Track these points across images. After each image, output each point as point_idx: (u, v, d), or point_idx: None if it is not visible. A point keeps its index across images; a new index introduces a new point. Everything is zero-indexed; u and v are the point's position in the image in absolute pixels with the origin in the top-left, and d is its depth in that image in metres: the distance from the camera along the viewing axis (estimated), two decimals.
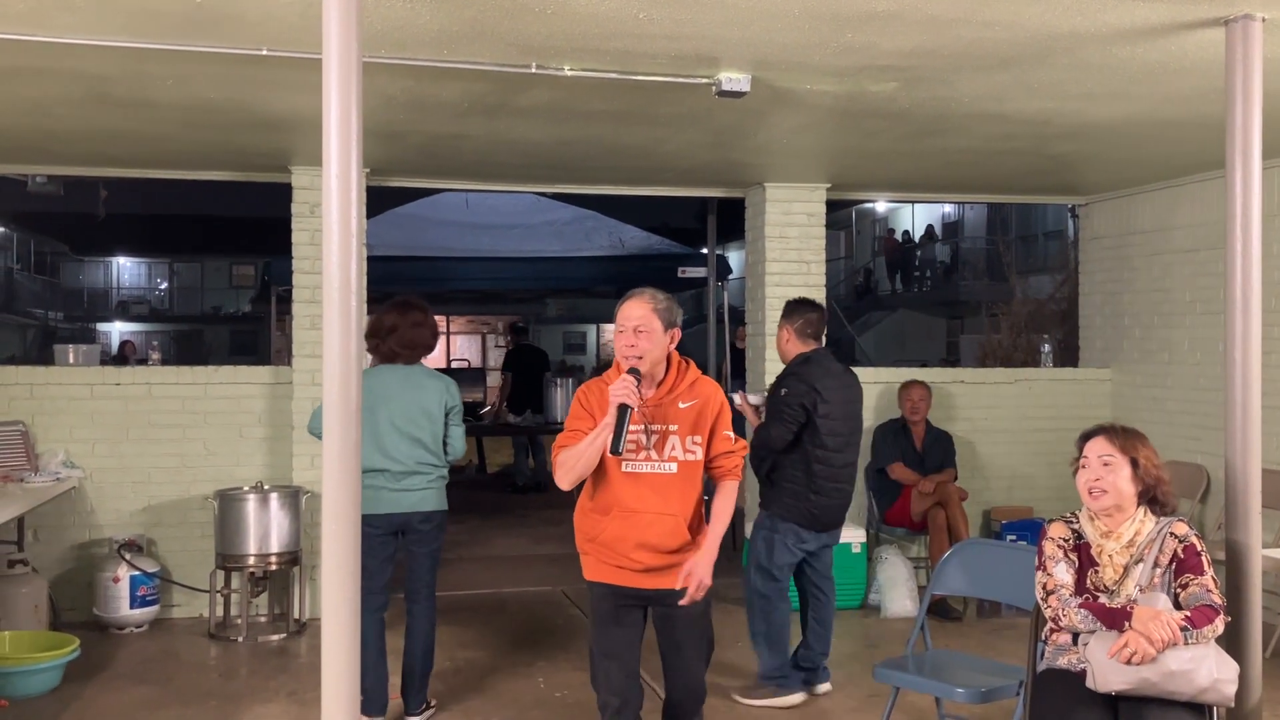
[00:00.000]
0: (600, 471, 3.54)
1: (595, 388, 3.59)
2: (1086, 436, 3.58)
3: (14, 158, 6.56)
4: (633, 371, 3.46)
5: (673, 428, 3.55)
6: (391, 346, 4.85)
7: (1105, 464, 3.47)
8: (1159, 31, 3.89)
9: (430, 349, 5.04)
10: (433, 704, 4.95)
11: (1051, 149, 6.09)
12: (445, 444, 4.84)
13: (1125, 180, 7.34)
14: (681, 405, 3.57)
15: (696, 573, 3.52)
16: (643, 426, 3.51)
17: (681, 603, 3.54)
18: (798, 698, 5.06)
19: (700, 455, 3.59)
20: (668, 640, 3.68)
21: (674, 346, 3.61)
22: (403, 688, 4.87)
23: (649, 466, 3.54)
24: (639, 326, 3.50)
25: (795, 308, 5.30)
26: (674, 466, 3.55)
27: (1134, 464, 3.46)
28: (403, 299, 5.00)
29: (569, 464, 3.50)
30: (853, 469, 5.21)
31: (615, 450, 3.41)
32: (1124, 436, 3.52)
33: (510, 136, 5.72)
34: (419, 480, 4.76)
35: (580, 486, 3.66)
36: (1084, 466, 3.52)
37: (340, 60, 3.08)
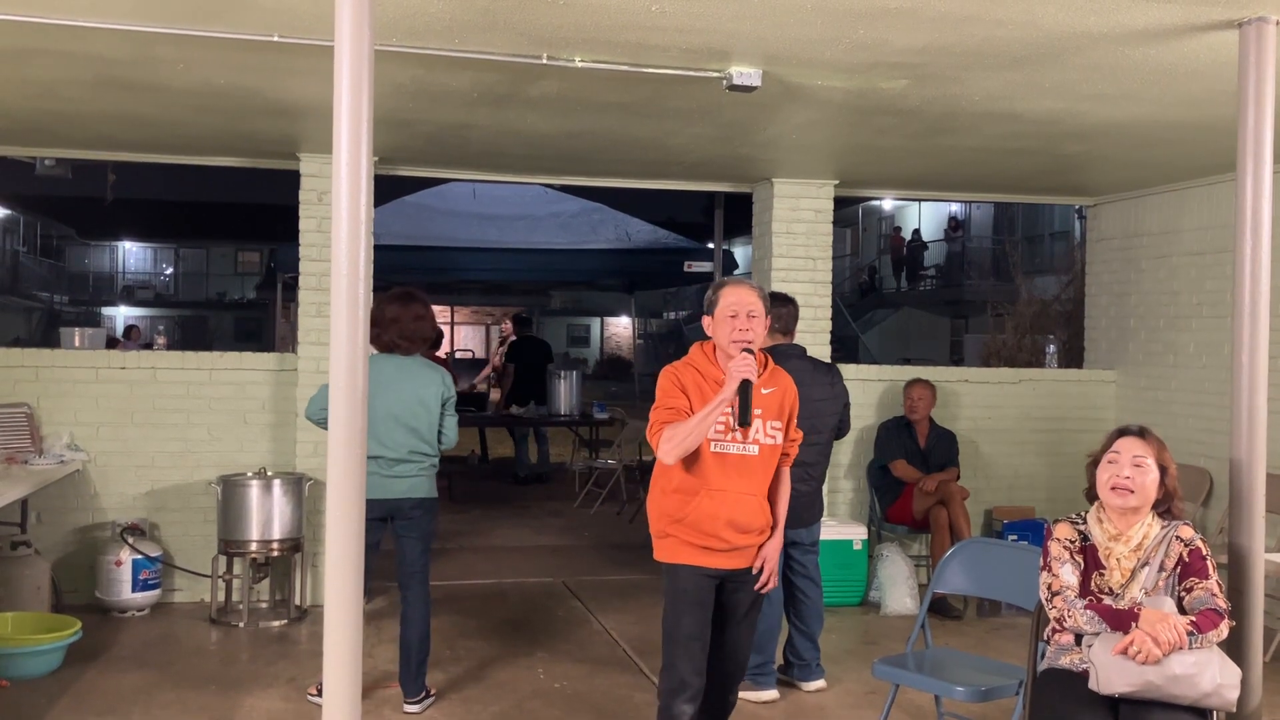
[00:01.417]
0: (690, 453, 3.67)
1: (685, 369, 3.73)
2: (1120, 433, 3.57)
3: (22, 140, 6.56)
4: (748, 351, 3.62)
5: (757, 411, 3.67)
6: (392, 337, 4.90)
7: (1137, 465, 3.46)
8: (1172, 33, 3.88)
9: (428, 342, 5.09)
10: (432, 692, 4.96)
11: (1061, 149, 6.08)
12: (441, 434, 4.91)
13: (1134, 182, 7.32)
14: (764, 391, 3.71)
15: (770, 560, 3.75)
16: (732, 409, 3.62)
17: (757, 587, 3.76)
18: (771, 694, 5.09)
19: (779, 440, 3.75)
20: (731, 616, 3.80)
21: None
22: (400, 675, 4.88)
23: (736, 448, 3.67)
24: (752, 312, 3.68)
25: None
26: (755, 449, 3.69)
27: (1163, 472, 3.47)
28: (405, 290, 5.03)
29: (679, 438, 3.58)
30: (810, 469, 5.06)
31: (745, 422, 3.57)
32: (1159, 444, 3.53)
33: (519, 127, 5.72)
34: (411, 468, 4.82)
35: (649, 475, 3.83)
36: (1112, 461, 3.50)
37: (352, 48, 3.08)
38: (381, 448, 4.74)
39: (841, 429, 5.33)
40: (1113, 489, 3.47)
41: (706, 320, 3.78)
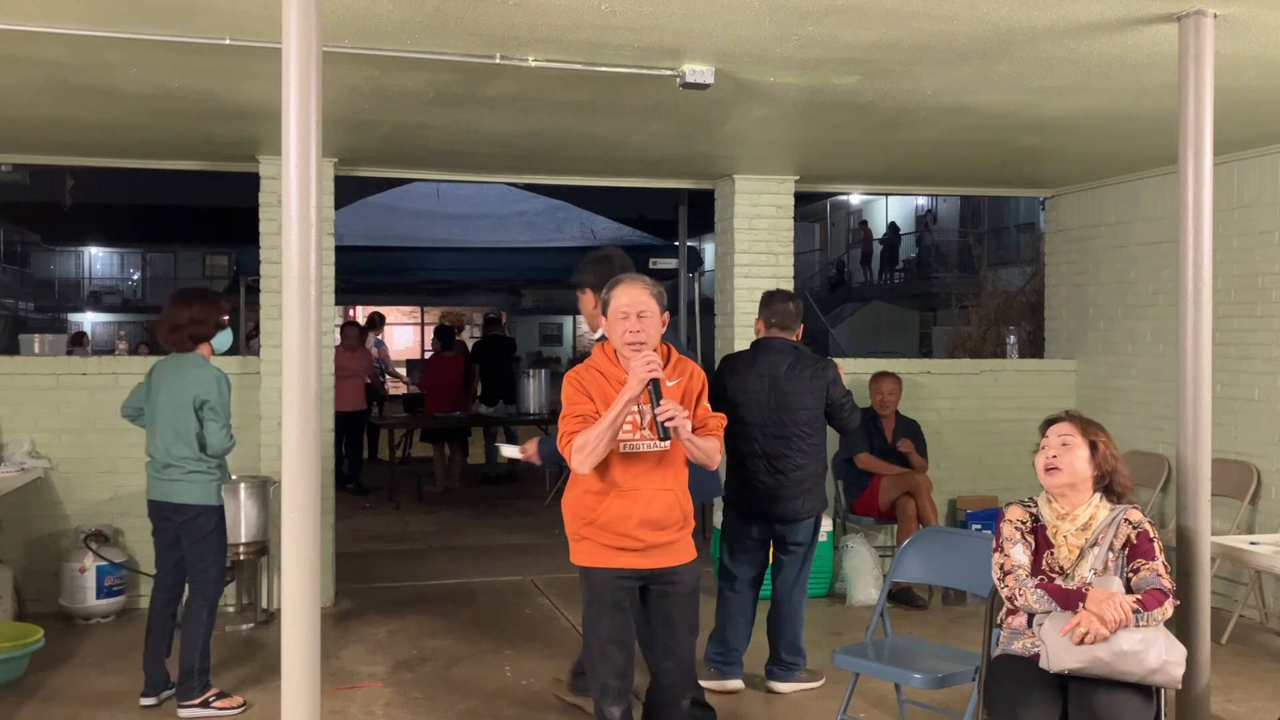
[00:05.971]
0: None
1: (587, 372, 3.66)
2: (1049, 422, 3.67)
3: None
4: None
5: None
6: (160, 336, 5.01)
7: (1064, 444, 3.55)
8: (1114, 26, 3.94)
9: (188, 338, 4.92)
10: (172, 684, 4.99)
11: (1015, 142, 6.15)
12: (203, 438, 4.83)
13: (1089, 173, 7.41)
14: (669, 384, 3.65)
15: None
16: (636, 406, 3.57)
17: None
18: (735, 684, 5.12)
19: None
20: (661, 619, 3.71)
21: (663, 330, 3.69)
22: None
23: (645, 445, 3.60)
24: (642, 312, 3.60)
25: (767, 299, 5.37)
26: (667, 444, 3.62)
27: (1093, 448, 3.55)
28: (178, 290, 5.22)
29: (589, 446, 3.51)
30: (779, 462, 5.08)
31: (661, 429, 3.46)
32: (1084, 422, 3.62)
33: (477, 127, 5.73)
34: (175, 471, 4.83)
35: (566, 475, 3.71)
36: (1043, 447, 3.61)
37: (299, 49, 3.09)
38: (152, 448, 4.85)
39: (836, 422, 5.27)
40: (1045, 471, 3.57)
41: (602, 320, 3.73)
